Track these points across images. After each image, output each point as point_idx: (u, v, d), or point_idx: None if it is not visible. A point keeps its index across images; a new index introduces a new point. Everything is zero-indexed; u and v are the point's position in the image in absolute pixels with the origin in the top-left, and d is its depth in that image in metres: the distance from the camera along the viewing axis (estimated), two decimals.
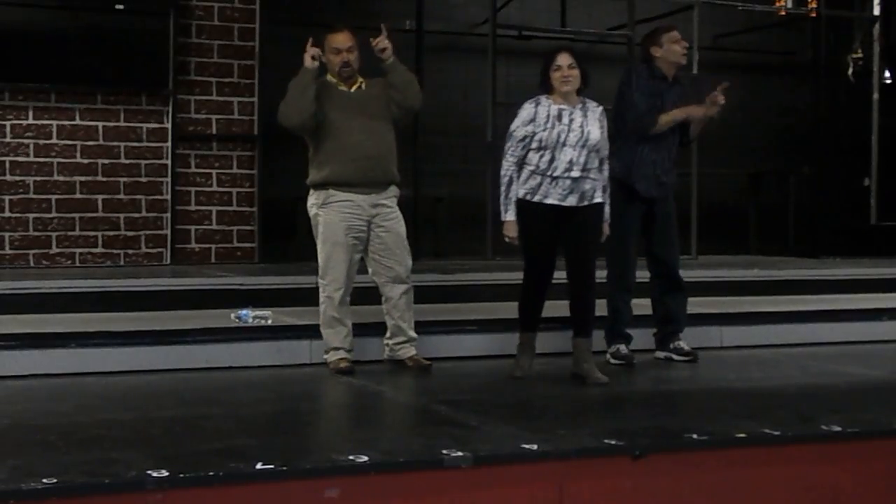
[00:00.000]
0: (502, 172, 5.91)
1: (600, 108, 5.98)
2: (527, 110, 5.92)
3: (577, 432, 4.46)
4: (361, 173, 6.04)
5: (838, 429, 4.57)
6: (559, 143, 5.81)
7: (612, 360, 6.51)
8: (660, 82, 6.54)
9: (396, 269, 6.19)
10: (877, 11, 13.02)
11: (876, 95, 12.86)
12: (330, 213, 6.07)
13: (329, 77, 6.23)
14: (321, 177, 6.10)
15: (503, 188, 5.92)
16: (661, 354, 6.80)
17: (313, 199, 6.17)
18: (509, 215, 5.88)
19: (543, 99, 5.91)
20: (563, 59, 5.87)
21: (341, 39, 6.20)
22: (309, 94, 6.00)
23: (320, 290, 6.16)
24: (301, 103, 6.02)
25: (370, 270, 6.24)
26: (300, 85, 6.03)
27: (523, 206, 5.87)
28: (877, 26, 12.96)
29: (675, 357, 6.69)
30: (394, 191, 6.22)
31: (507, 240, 5.95)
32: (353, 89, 6.20)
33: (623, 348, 6.57)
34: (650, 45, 6.61)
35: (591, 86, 6.01)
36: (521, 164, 5.89)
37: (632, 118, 6.44)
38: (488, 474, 3.99)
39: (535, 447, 4.14)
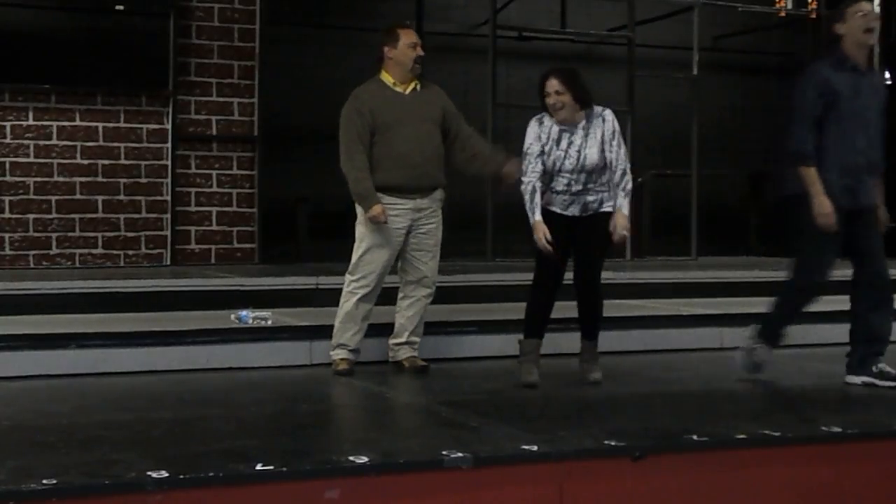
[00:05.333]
0: (523, 187, 5.78)
1: (607, 120, 5.80)
2: (533, 128, 5.83)
3: (577, 433, 4.46)
4: (408, 180, 6.07)
5: (838, 429, 4.57)
6: (556, 168, 5.77)
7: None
8: (849, 74, 5.69)
9: (425, 271, 6.22)
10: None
11: None
12: None
13: (384, 76, 6.21)
14: None
15: (526, 197, 5.74)
16: (856, 380, 5.80)
17: None
18: (536, 216, 5.71)
19: (546, 118, 5.83)
20: (551, 86, 5.72)
21: (415, 35, 6.25)
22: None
23: (345, 285, 6.18)
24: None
25: (399, 266, 6.25)
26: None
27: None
28: None
29: (878, 383, 5.70)
30: (439, 194, 6.24)
31: (538, 243, 5.67)
32: (407, 91, 6.20)
33: (765, 350, 6.01)
34: (833, 22, 5.78)
35: (593, 95, 5.89)
36: (540, 176, 5.78)
37: (791, 148, 5.78)
38: (488, 475, 3.99)
39: (535, 448, 4.14)
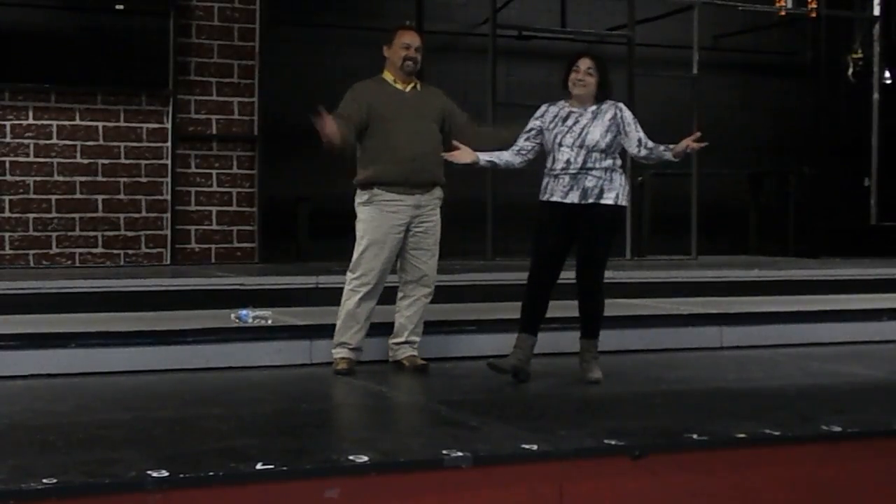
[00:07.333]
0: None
1: (618, 109, 5.87)
2: (540, 109, 6.03)
3: (577, 432, 4.46)
4: (406, 174, 6.07)
5: (838, 429, 4.57)
6: (556, 143, 5.87)
7: None
8: None
9: (424, 270, 6.22)
10: (877, 11, 13.03)
11: (876, 95, 12.88)
12: (372, 212, 6.10)
13: (385, 75, 6.23)
14: (366, 176, 6.13)
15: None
16: None
17: (358, 199, 6.20)
18: (483, 155, 5.96)
19: (561, 102, 5.98)
20: (583, 63, 5.90)
21: (413, 36, 6.27)
22: (352, 143, 6.08)
23: (346, 283, 6.17)
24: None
25: (398, 266, 6.25)
26: (342, 147, 6.05)
27: (539, 206, 5.94)
28: (877, 26, 12.97)
29: None
30: (438, 192, 6.24)
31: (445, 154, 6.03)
32: (407, 89, 6.22)
33: None
34: None
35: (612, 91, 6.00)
36: (521, 151, 5.99)
37: None
38: (488, 474, 3.99)
39: (535, 447, 4.13)
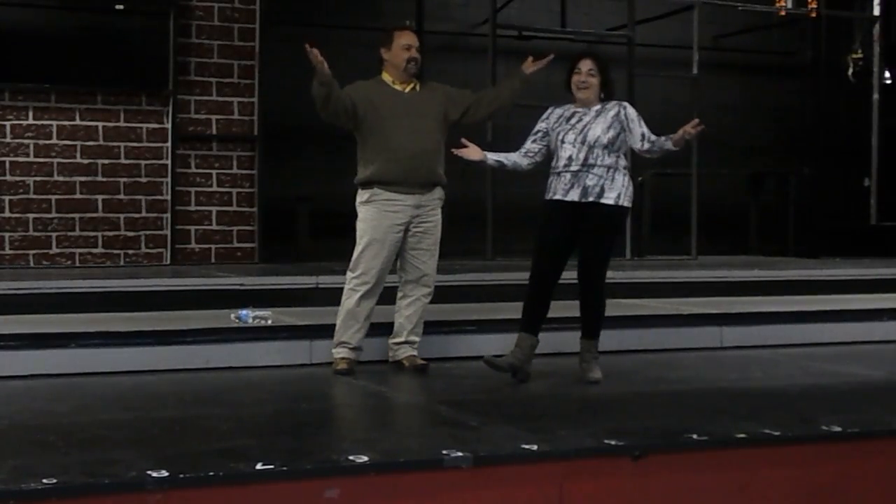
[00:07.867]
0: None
1: (622, 107, 5.90)
2: (547, 111, 6.07)
3: (577, 432, 4.46)
4: (405, 172, 6.06)
5: (838, 429, 4.57)
6: (559, 140, 5.89)
7: None
8: None
9: (424, 270, 6.22)
10: (877, 11, 13.02)
11: (876, 95, 12.87)
12: (372, 211, 6.10)
13: (384, 76, 6.23)
14: (367, 175, 6.12)
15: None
16: None
17: (359, 199, 6.19)
18: (491, 155, 6.06)
19: (568, 105, 6.02)
20: (584, 65, 5.93)
21: (412, 37, 6.28)
22: (334, 101, 6.00)
23: (346, 282, 6.17)
24: (329, 111, 6.05)
25: (398, 265, 6.25)
26: (321, 97, 5.99)
27: (543, 205, 5.95)
28: (877, 26, 12.97)
29: None
30: (439, 193, 6.24)
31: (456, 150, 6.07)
32: (407, 90, 6.22)
33: None
34: None
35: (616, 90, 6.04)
36: (528, 153, 6.02)
37: None
38: (488, 474, 3.99)
39: (535, 447, 4.13)
